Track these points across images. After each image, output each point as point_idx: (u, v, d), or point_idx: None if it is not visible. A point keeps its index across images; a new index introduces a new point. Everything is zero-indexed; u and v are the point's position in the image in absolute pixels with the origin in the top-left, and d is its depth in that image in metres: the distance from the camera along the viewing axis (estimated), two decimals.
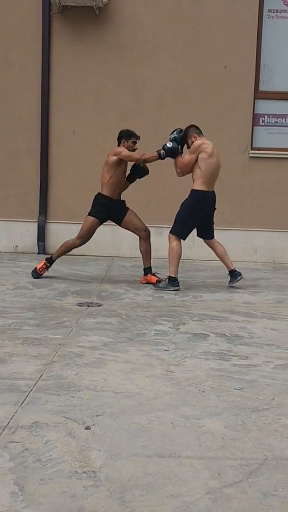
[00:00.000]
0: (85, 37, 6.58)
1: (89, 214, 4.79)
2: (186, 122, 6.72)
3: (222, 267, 6.27)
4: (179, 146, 4.70)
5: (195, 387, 2.14)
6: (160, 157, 4.62)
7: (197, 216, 4.73)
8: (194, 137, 4.67)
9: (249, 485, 1.40)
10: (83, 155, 6.75)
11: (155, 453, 1.59)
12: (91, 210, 4.80)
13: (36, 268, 4.77)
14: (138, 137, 4.83)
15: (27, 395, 2.00)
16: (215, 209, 4.93)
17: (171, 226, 4.80)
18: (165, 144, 4.64)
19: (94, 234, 4.92)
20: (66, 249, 4.85)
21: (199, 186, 4.63)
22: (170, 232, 4.77)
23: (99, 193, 4.82)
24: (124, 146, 4.72)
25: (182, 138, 4.72)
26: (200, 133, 4.74)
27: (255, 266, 6.56)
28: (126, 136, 4.75)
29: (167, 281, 4.60)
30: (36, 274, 4.74)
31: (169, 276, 4.62)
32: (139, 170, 4.87)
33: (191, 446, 1.64)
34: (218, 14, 6.63)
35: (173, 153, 4.64)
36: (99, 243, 6.82)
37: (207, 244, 5.07)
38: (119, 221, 4.92)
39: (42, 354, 2.53)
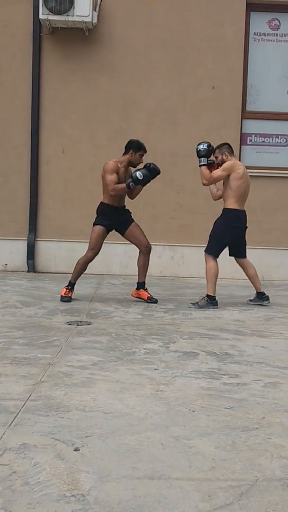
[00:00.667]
0: (75, 58, 6.67)
1: (94, 224, 4.76)
2: (176, 141, 6.82)
3: None
4: (205, 157, 4.76)
5: (185, 407, 2.13)
6: (129, 187, 4.61)
7: (231, 234, 4.81)
8: (226, 155, 4.76)
9: (240, 508, 1.39)
10: (73, 173, 6.79)
11: (145, 475, 1.57)
12: (95, 220, 4.78)
13: (61, 295, 4.73)
14: (145, 151, 4.83)
15: (15, 416, 1.98)
16: (247, 227, 4.99)
17: (206, 245, 4.88)
18: (136, 176, 4.56)
19: (84, 252, 4.91)
20: (81, 267, 4.78)
21: (231, 205, 4.75)
22: (206, 251, 4.84)
23: (100, 202, 4.83)
24: (131, 156, 4.72)
25: (209, 152, 4.78)
26: (231, 152, 4.85)
27: (245, 283, 6.57)
28: (135, 148, 4.73)
29: (206, 299, 4.67)
30: (64, 298, 4.67)
31: (208, 295, 4.69)
32: (151, 172, 4.73)
33: (181, 467, 1.62)
34: (206, 36, 6.77)
35: (139, 183, 4.62)
36: None
37: (238, 263, 5.08)
38: (122, 232, 4.89)
39: (31, 374, 2.50)
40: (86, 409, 2.08)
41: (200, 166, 4.80)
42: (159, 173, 4.82)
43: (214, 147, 4.83)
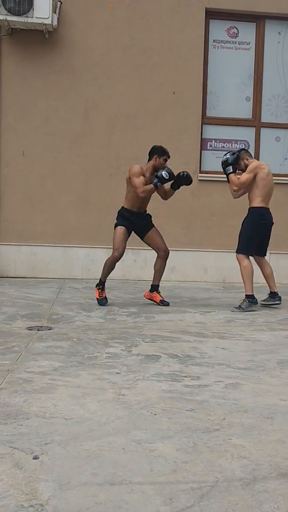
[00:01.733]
0: (35, 60, 6.59)
1: (115, 226, 4.92)
2: (137, 145, 6.83)
3: (175, 287, 6.34)
4: (232, 166, 4.92)
5: (147, 410, 2.12)
6: (156, 187, 4.77)
7: (259, 232, 4.92)
8: (247, 159, 4.94)
9: (200, 510, 1.39)
10: (34, 176, 6.70)
11: (106, 481, 1.55)
12: (115, 222, 4.94)
13: (96, 298, 4.83)
14: (169, 156, 4.98)
15: None
16: (273, 224, 5.06)
17: (236, 246, 4.98)
18: (162, 175, 4.74)
19: (45, 257, 4.87)
20: (109, 267, 4.89)
21: (258, 203, 4.86)
22: (237, 251, 4.94)
23: (121, 206, 4.98)
24: (155, 161, 4.86)
25: (235, 160, 4.93)
26: (251, 155, 5.04)
27: (206, 286, 6.66)
28: (159, 153, 4.88)
29: (247, 300, 4.77)
30: (102, 301, 4.77)
31: (247, 295, 4.79)
32: (185, 180, 4.97)
33: (143, 471, 1.61)
34: (167, 41, 6.84)
35: (165, 181, 4.82)
36: (50, 265, 6.74)
37: (257, 261, 5.15)
38: (142, 236, 5.04)
39: None
40: (46, 415, 2.04)
41: (229, 174, 4.95)
42: (191, 181, 5.03)
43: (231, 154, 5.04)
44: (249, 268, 4.87)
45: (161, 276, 5.05)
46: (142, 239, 5.09)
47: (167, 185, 5.07)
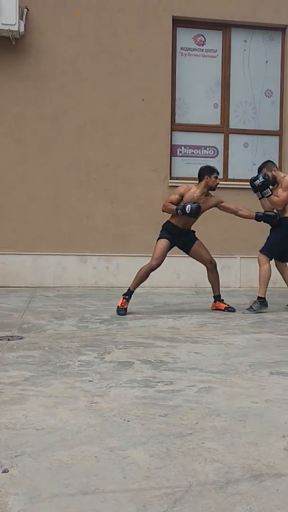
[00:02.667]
0: (2, 67, 6.53)
1: (158, 238, 5.07)
2: (108, 152, 6.83)
3: (148, 293, 6.33)
4: (269, 188, 4.99)
5: (120, 417, 2.10)
6: (176, 213, 4.87)
7: (286, 242, 4.99)
8: (275, 170, 5.08)
9: None
10: (2, 184, 6.62)
11: (79, 491, 1.52)
12: (159, 235, 5.10)
13: (117, 306, 4.81)
14: (218, 173, 5.12)
15: None
16: None
17: (261, 247, 5.06)
18: (185, 207, 4.79)
19: (16, 265, 4.79)
20: (142, 276, 4.95)
21: None
22: (261, 251, 5.00)
23: (167, 220, 5.12)
24: (207, 181, 4.98)
25: (268, 181, 4.98)
26: (276, 166, 5.19)
27: (179, 291, 6.69)
28: (209, 172, 5.01)
29: (258, 302, 4.90)
30: (120, 311, 4.73)
31: (259, 297, 4.92)
32: (270, 219, 5.09)
33: (116, 479, 1.59)
34: (135, 49, 6.88)
35: (194, 214, 4.88)
36: (21, 274, 6.65)
37: (278, 268, 5.29)
38: (186, 251, 5.18)
39: None
40: (16, 427, 1.99)
41: (268, 197, 5.01)
42: (275, 218, 5.06)
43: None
44: (268, 272, 4.98)
45: (218, 285, 5.20)
46: (187, 254, 5.23)
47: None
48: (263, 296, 4.94)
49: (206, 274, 5.27)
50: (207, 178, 4.98)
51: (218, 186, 7.00)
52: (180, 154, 7.21)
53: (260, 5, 7.16)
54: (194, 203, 4.83)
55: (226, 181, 7.23)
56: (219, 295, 5.19)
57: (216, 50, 7.26)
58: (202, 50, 7.22)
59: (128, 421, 2.06)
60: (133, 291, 4.92)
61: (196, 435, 1.90)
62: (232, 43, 7.28)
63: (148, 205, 6.99)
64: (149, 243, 6.95)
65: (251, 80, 7.36)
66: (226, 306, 5.08)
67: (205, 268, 5.23)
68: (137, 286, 4.97)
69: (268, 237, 5.12)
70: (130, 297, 4.89)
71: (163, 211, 5.06)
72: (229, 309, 5.03)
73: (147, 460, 1.71)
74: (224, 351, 3.30)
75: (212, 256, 5.20)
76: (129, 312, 4.81)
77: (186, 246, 5.14)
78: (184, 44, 7.15)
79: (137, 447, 1.81)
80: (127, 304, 4.84)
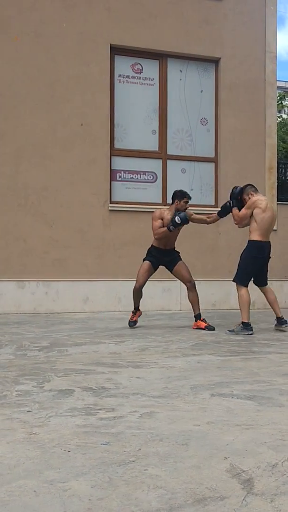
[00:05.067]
0: None
1: (143, 260, 5.54)
2: (46, 176, 6.78)
3: (88, 318, 6.25)
4: (235, 200, 5.27)
5: (60, 448, 2.02)
6: (170, 230, 5.26)
7: (256, 264, 5.11)
8: (251, 194, 5.18)
9: None
10: None
11: None
12: (144, 257, 5.56)
13: (129, 320, 5.55)
14: (190, 198, 5.46)
15: None
16: (270, 258, 5.25)
17: (234, 274, 5.19)
18: (175, 220, 5.18)
19: None
20: (134, 295, 5.56)
21: (255, 237, 5.05)
22: (235, 281, 5.13)
23: (151, 244, 5.57)
24: (177, 204, 5.36)
25: (239, 193, 5.23)
26: (256, 190, 5.26)
27: (120, 315, 6.65)
28: (179, 197, 5.39)
29: (241, 326, 4.97)
30: (132, 322, 5.48)
31: (243, 322, 4.98)
32: (226, 210, 5.39)
33: None
34: (73, 75, 6.95)
35: (177, 225, 5.23)
36: None
37: (261, 291, 5.35)
38: (170, 269, 5.57)
39: None
40: None
41: (232, 207, 5.24)
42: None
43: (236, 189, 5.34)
44: (245, 296, 5.04)
45: (198, 304, 5.50)
46: (171, 272, 5.58)
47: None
48: (246, 321, 5.01)
49: (187, 294, 5.57)
50: (177, 202, 5.36)
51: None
52: (120, 179, 7.28)
53: (194, 38, 7.48)
54: (179, 212, 5.20)
55: (165, 205, 7.37)
56: (199, 314, 5.45)
57: (153, 79, 7.47)
58: (140, 78, 7.41)
59: (68, 451, 1.99)
60: (138, 306, 5.61)
61: (139, 462, 1.87)
62: (168, 72, 7.54)
63: (88, 228, 6.98)
64: (90, 267, 6.92)
65: (187, 109, 7.63)
66: (206, 325, 5.33)
67: (186, 288, 5.54)
68: (138, 303, 5.60)
69: (238, 264, 5.22)
70: (136, 311, 5.59)
71: (157, 239, 5.40)
72: (209, 328, 5.29)
73: (88, 491, 1.65)
74: (166, 374, 3.29)
75: (191, 276, 5.48)
76: (69, 338, 4.72)
77: (170, 265, 5.51)
78: (122, 72, 7.31)
79: (78, 478, 1.75)
80: (136, 317, 5.55)
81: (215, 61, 7.71)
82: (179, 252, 5.59)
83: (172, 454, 1.94)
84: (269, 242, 5.21)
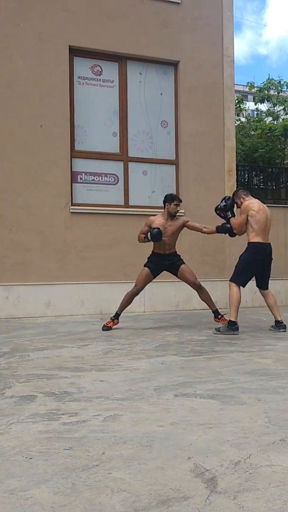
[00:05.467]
0: None
1: (144, 266, 5.55)
2: (5, 178, 6.64)
3: (51, 322, 6.16)
4: (229, 211, 5.28)
5: (22, 455, 1.98)
6: (144, 241, 5.39)
7: (255, 266, 5.08)
8: (243, 198, 5.18)
9: None
10: None
11: None
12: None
13: (103, 324, 5.55)
14: (180, 201, 5.49)
15: None
16: (272, 259, 5.22)
17: (231, 275, 5.19)
18: (147, 235, 5.30)
19: None
20: (126, 301, 5.53)
21: (253, 238, 5.04)
22: (230, 280, 5.09)
23: (152, 250, 5.60)
24: (168, 208, 5.41)
25: (231, 204, 5.23)
26: (247, 194, 5.24)
27: (83, 318, 6.60)
28: (169, 200, 5.42)
29: (226, 325, 4.94)
30: (104, 327, 5.44)
31: (229, 320, 4.95)
32: (226, 230, 5.37)
33: None
34: (32, 76, 6.85)
35: (155, 238, 5.26)
36: None
37: (261, 293, 5.31)
38: (174, 273, 5.58)
39: None
40: None
41: (229, 219, 5.26)
42: (229, 231, 5.37)
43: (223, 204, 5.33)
44: (235, 295, 5.02)
45: (212, 301, 5.57)
46: (176, 276, 5.59)
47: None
48: (233, 320, 5.00)
49: (198, 295, 5.62)
50: (167, 205, 5.41)
51: (120, 213, 7.15)
52: (81, 181, 7.23)
53: (153, 41, 7.52)
54: (153, 229, 5.24)
55: (127, 207, 7.38)
56: (217, 310, 5.56)
57: (113, 81, 7.46)
58: (100, 80, 7.39)
59: (30, 458, 1.94)
60: (120, 314, 5.55)
61: (102, 466, 1.84)
62: (128, 74, 7.54)
63: (50, 231, 6.89)
64: (52, 271, 6.83)
65: (147, 111, 7.65)
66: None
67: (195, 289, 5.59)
68: (123, 310, 5.56)
69: (236, 264, 5.22)
70: (117, 318, 5.53)
71: (155, 248, 5.50)
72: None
73: (51, 498, 1.62)
74: (130, 376, 3.28)
75: (196, 278, 5.53)
76: (31, 343, 4.64)
77: (173, 269, 5.55)
78: (82, 73, 7.27)
79: (40, 485, 1.71)
80: (113, 324, 5.49)
81: (174, 64, 7.78)
82: (179, 256, 5.61)
83: (136, 456, 1.93)
84: (269, 243, 5.21)
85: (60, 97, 6.95)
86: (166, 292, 7.21)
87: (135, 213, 7.24)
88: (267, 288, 5.33)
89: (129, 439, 2.11)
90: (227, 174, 7.90)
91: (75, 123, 7.18)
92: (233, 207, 5.34)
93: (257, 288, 5.38)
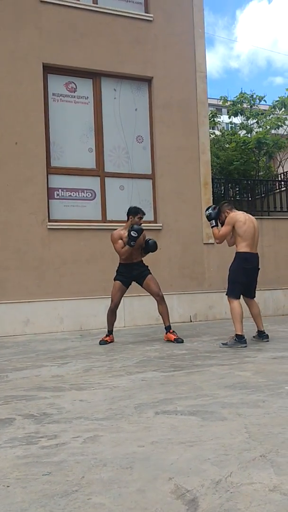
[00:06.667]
0: None
1: (114, 280, 5.62)
2: None
3: (30, 341, 6.08)
4: (214, 220, 5.35)
5: None
6: (131, 246, 5.38)
7: (245, 274, 5.12)
8: (227, 212, 5.25)
9: None
10: None
11: None
12: (115, 276, 5.63)
13: (100, 339, 5.68)
14: (144, 213, 5.58)
15: None
16: (259, 269, 5.26)
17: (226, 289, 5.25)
18: (131, 235, 5.32)
19: None
20: (109, 316, 5.65)
21: (242, 248, 5.09)
22: (226, 294, 5.13)
23: (119, 263, 5.64)
24: (132, 220, 5.48)
25: (217, 214, 5.29)
26: (232, 208, 5.32)
27: (63, 335, 6.53)
28: (133, 213, 5.50)
29: (234, 339, 4.94)
30: (101, 342, 5.58)
31: (236, 334, 4.96)
32: (150, 247, 5.61)
33: None
34: (5, 93, 6.83)
35: (135, 238, 5.32)
36: None
37: (246, 302, 5.31)
38: (140, 284, 5.61)
39: None
40: None
41: (212, 227, 5.34)
42: (155, 248, 5.62)
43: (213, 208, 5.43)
44: (236, 309, 5.04)
45: (168, 316, 5.62)
46: (141, 286, 5.62)
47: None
48: (239, 333, 5.00)
49: (157, 307, 5.64)
50: (131, 218, 5.49)
51: (98, 228, 7.14)
52: (58, 197, 7.20)
53: (126, 57, 7.60)
54: (132, 226, 5.34)
55: (105, 222, 7.37)
56: (169, 326, 5.58)
57: (87, 97, 7.50)
58: (74, 96, 7.41)
59: (7, 486, 1.90)
60: (111, 330, 5.69)
61: (82, 491, 1.81)
62: (102, 91, 7.59)
63: (27, 249, 6.83)
64: (30, 289, 6.75)
65: (122, 127, 7.70)
66: (175, 337, 5.46)
67: (156, 301, 5.63)
68: (112, 325, 5.68)
69: (227, 278, 5.24)
70: (110, 333, 5.68)
71: (124, 259, 5.51)
72: (178, 340, 5.41)
73: None
74: (110, 395, 3.25)
75: (160, 289, 5.57)
76: (9, 363, 4.56)
77: (139, 279, 5.59)
78: (56, 90, 7.29)
79: None
80: (109, 338, 5.63)
81: (148, 80, 7.86)
82: (147, 266, 5.67)
83: (116, 479, 1.90)
84: (257, 253, 5.26)
85: (35, 114, 6.95)
86: (146, 306, 7.19)
87: (113, 227, 7.22)
88: (253, 297, 5.37)
89: (109, 461, 2.08)
90: (203, 187, 7.97)
91: (51, 140, 7.17)
92: (218, 217, 5.37)
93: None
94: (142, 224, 5.55)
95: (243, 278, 5.19)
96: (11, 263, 6.73)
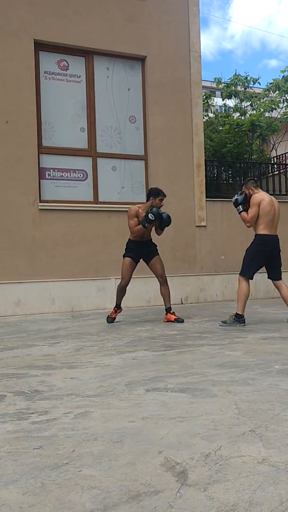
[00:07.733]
0: None
1: (123, 257, 5.58)
2: None
3: (21, 321, 6.07)
4: (242, 204, 5.22)
5: None
6: (145, 227, 5.39)
7: (261, 257, 5.10)
8: (252, 189, 5.17)
9: None
10: None
11: None
12: (124, 253, 5.60)
13: (108, 315, 5.77)
14: (165, 195, 5.50)
15: None
16: (280, 251, 5.21)
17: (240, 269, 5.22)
18: (148, 217, 5.29)
19: None
20: (119, 292, 5.66)
21: (261, 230, 5.06)
22: (239, 274, 5.10)
23: (128, 238, 5.64)
24: (152, 202, 5.44)
25: (243, 199, 5.19)
26: (257, 186, 5.25)
27: (54, 316, 6.53)
28: (154, 195, 5.45)
29: (233, 318, 4.97)
30: (110, 318, 5.66)
31: (236, 313, 4.98)
32: (165, 222, 5.52)
33: None
34: None
35: (151, 222, 5.28)
36: None
37: (274, 285, 5.29)
38: (147, 262, 5.65)
39: None
40: None
41: (240, 213, 5.22)
42: (169, 222, 5.55)
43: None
44: (244, 289, 5.05)
45: (169, 298, 5.65)
46: (147, 265, 5.66)
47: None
48: (239, 313, 5.03)
49: (160, 288, 5.67)
50: (152, 200, 5.45)
51: (90, 209, 7.10)
52: (49, 177, 7.13)
53: (120, 36, 7.47)
54: (152, 209, 5.32)
55: (97, 203, 7.33)
56: (170, 307, 5.62)
57: (80, 76, 7.38)
58: (66, 74, 7.30)
59: None
60: (119, 303, 5.73)
61: (72, 464, 1.82)
62: (95, 69, 7.48)
63: (18, 229, 6.79)
64: (21, 269, 6.73)
65: (115, 106, 7.61)
66: (175, 317, 5.52)
67: (159, 282, 5.65)
68: (120, 300, 5.72)
69: (243, 257, 5.22)
70: (119, 308, 5.72)
71: (134, 237, 5.49)
72: (178, 320, 5.48)
73: (19, 499, 1.59)
74: (101, 373, 3.26)
75: (165, 272, 5.61)
76: (0, 343, 4.55)
77: (147, 258, 5.62)
78: (48, 68, 7.17)
79: (8, 486, 1.68)
80: (116, 314, 5.69)
81: (141, 59, 7.75)
82: (156, 245, 5.69)
83: (107, 452, 1.91)
84: (276, 235, 5.21)
85: (26, 92, 6.84)
86: (138, 288, 7.20)
87: (104, 209, 7.20)
88: (279, 279, 5.29)
89: (100, 436, 2.09)
90: (196, 169, 7.93)
91: (42, 119, 7.08)
92: (244, 201, 5.28)
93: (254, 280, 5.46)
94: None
95: (259, 261, 5.18)
96: (2, 243, 6.68)
